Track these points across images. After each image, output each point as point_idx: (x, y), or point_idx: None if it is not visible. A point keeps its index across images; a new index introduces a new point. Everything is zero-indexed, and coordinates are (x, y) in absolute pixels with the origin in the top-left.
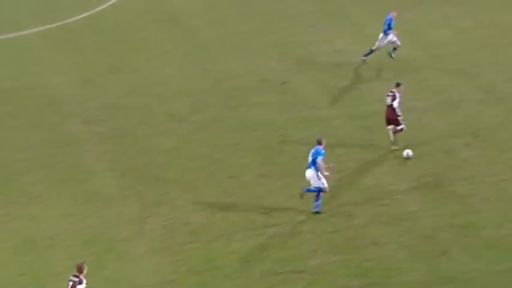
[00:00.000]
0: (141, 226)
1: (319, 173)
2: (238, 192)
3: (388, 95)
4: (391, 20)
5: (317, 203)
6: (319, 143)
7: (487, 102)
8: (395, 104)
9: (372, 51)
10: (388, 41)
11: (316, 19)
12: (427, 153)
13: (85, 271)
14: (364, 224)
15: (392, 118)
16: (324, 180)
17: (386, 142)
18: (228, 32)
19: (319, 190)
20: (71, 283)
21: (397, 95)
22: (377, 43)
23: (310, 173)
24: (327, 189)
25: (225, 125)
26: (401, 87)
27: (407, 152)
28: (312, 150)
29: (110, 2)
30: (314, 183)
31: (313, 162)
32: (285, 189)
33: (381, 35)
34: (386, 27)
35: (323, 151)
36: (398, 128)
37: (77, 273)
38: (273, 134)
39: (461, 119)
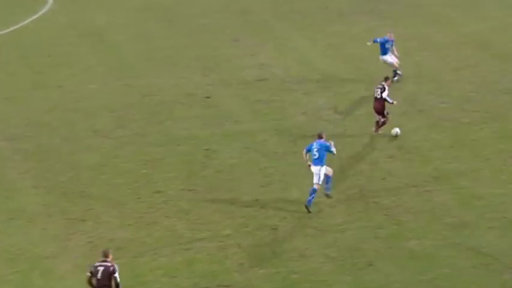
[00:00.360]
0: (66, 243)
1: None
2: (163, 207)
3: (377, 87)
4: (387, 41)
5: (328, 185)
6: (320, 137)
7: (410, 114)
8: (385, 95)
9: (396, 73)
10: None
11: (240, 33)
12: (352, 165)
13: (111, 256)
14: (290, 237)
15: (380, 110)
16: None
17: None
18: (151, 47)
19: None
20: (101, 268)
21: (386, 87)
22: (393, 63)
23: (321, 169)
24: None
25: (150, 139)
26: (389, 81)
27: (396, 131)
28: (316, 146)
29: (33, 17)
30: (329, 173)
31: (323, 159)
32: (210, 203)
33: (381, 57)
34: (384, 49)
35: (327, 143)
36: (382, 119)
37: (103, 258)
38: (198, 148)
39: (385, 131)
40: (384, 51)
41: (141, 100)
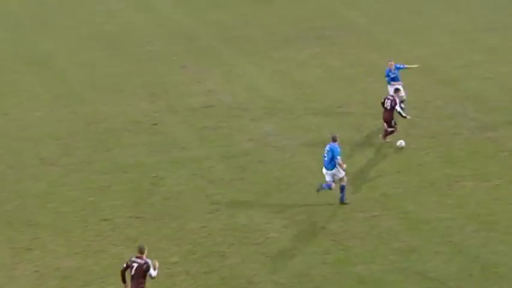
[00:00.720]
0: (11, 272)
1: (338, 168)
2: (111, 235)
3: (388, 99)
4: (389, 71)
5: (343, 194)
6: (334, 140)
7: (357, 140)
8: (397, 107)
9: (401, 109)
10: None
11: (187, 60)
12: (299, 191)
13: (146, 252)
14: (238, 263)
15: (388, 120)
16: (342, 170)
17: (258, 180)
18: (98, 74)
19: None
20: (135, 265)
21: (397, 99)
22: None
23: (329, 172)
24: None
25: (97, 167)
26: (399, 92)
27: (401, 143)
28: (327, 148)
29: None
30: (338, 175)
31: (332, 162)
32: (158, 231)
33: (390, 87)
34: (389, 79)
35: (339, 148)
36: (389, 129)
37: (139, 255)
38: (145, 175)
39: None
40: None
41: (88, 127)
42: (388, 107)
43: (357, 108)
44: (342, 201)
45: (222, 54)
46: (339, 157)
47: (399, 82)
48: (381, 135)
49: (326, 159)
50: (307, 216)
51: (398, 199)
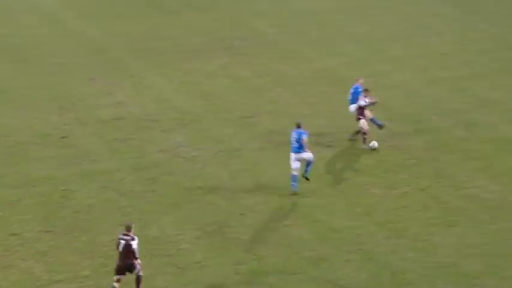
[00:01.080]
0: None
1: (306, 150)
2: (20, 250)
3: (361, 101)
4: (358, 87)
5: (309, 167)
6: (299, 126)
7: (267, 150)
8: (362, 102)
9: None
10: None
11: (96, 72)
12: (210, 201)
13: (133, 230)
14: (150, 275)
15: (359, 118)
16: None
17: (169, 191)
18: (5, 87)
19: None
20: (123, 242)
21: (367, 98)
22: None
23: (299, 155)
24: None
25: (6, 181)
26: (368, 93)
27: (373, 144)
28: (294, 135)
29: None
30: (309, 158)
31: (300, 146)
32: (69, 244)
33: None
34: (353, 98)
35: (306, 132)
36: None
37: (126, 232)
38: (55, 188)
39: (242, 167)
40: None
41: None
42: (362, 104)
43: (267, 118)
44: (305, 176)
45: (131, 66)
46: (305, 137)
47: (355, 105)
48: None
49: (296, 145)
50: (218, 226)
51: (309, 208)
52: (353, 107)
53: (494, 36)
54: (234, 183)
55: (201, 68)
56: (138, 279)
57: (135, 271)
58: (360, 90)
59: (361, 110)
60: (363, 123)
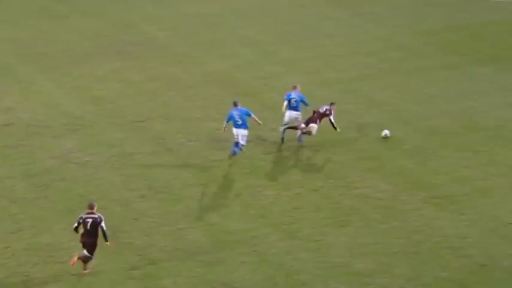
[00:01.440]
0: None
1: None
2: None
3: (324, 107)
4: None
5: (237, 148)
6: (236, 105)
7: (160, 154)
8: (332, 118)
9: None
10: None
11: None
12: (103, 207)
13: (95, 208)
14: (43, 283)
15: (313, 121)
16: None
17: (62, 197)
18: None
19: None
20: (90, 220)
21: (332, 112)
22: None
23: (243, 131)
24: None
25: None
26: (334, 106)
27: (386, 132)
28: (237, 113)
29: None
30: (242, 141)
31: (246, 123)
32: None
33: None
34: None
35: (246, 109)
36: (305, 130)
37: (90, 211)
38: None
39: (135, 172)
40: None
41: None
42: (322, 111)
43: (159, 122)
44: (233, 154)
45: (19, 72)
46: (253, 114)
47: (298, 112)
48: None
49: (239, 122)
50: (112, 231)
51: (203, 211)
52: (295, 114)
53: (382, 37)
54: (127, 188)
55: (92, 73)
56: (86, 258)
57: (91, 252)
58: (302, 96)
59: (319, 115)
60: (313, 127)
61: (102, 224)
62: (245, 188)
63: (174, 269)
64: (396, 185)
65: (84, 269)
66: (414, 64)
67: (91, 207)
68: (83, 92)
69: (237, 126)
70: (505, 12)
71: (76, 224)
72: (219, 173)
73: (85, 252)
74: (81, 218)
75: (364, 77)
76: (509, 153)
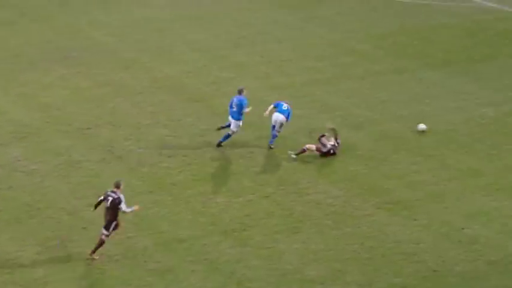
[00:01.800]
0: None
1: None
2: None
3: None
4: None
5: (227, 140)
6: (241, 92)
7: (108, 161)
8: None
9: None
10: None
11: None
12: (51, 216)
13: (122, 187)
14: None
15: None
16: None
17: (8, 206)
18: None
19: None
20: (110, 198)
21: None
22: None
23: (236, 122)
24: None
25: None
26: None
27: (421, 126)
28: (235, 100)
29: None
30: (235, 127)
31: (240, 113)
32: None
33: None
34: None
35: (246, 100)
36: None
37: (115, 190)
38: None
39: (83, 180)
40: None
41: None
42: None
43: (107, 129)
44: (220, 143)
45: None
46: (247, 108)
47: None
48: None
49: (234, 110)
50: (60, 241)
51: (153, 219)
52: (236, 123)
53: (333, 41)
54: (74, 196)
55: (38, 79)
56: (99, 243)
57: (106, 232)
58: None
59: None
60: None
61: (121, 205)
62: (196, 195)
63: (123, 278)
64: (348, 190)
65: (93, 252)
66: (366, 68)
67: (117, 185)
68: (29, 99)
69: (230, 113)
70: (455, 16)
71: (101, 197)
72: (169, 180)
73: (103, 230)
74: (105, 193)
75: (315, 81)
76: (461, 157)
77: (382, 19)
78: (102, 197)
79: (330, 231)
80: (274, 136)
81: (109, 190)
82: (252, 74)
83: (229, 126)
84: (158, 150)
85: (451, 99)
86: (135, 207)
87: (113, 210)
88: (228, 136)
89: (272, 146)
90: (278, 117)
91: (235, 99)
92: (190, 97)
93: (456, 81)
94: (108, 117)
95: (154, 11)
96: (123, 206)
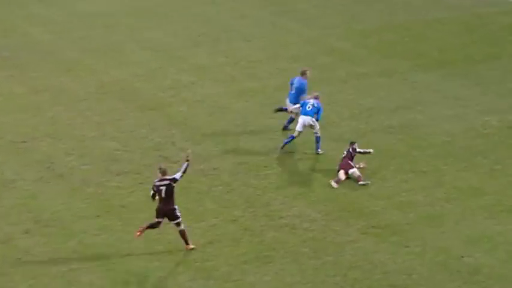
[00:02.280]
0: None
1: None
2: None
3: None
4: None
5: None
6: (304, 74)
7: (47, 180)
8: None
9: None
10: None
11: None
12: None
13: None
14: None
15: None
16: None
17: None
18: None
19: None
20: (163, 188)
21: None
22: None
23: (308, 118)
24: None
25: None
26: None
27: None
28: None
29: None
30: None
31: (314, 114)
32: None
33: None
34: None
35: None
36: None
37: (161, 177)
38: None
39: (17, 202)
40: None
41: None
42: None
43: (46, 143)
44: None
45: None
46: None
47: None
48: None
49: (293, 92)
50: None
51: (100, 248)
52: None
53: (310, 39)
54: (7, 222)
55: None
56: (182, 234)
57: (176, 220)
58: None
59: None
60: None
61: (177, 176)
62: (150, 219)
63: None
64: (328, 213)
65: (187, 244)
66: (348, 70)
67: (163, 172)
68: None
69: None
70: (452, 9)
71: (152, 192)
72: (118, 202)
73: (156, 219)
74: (154, 185)
75: (288, 86)
76: (459, 174)
77: (366, 13)
78: (152, 191)
79: (308, 260)
80: (318, 139)
81: (156, 180)
82: (216, 78)
83: (285, 109)
84: (106, 166)
85: (447, 106)
86: (187, 155)
87: (172, 196)
88: (291, 120)
89: (320, 151)
90: (305, 120)
91: (295, 81)
92: (143, 104)
93: (453, 85)
94: (46, 129)
95: (100, 4)
96: (178, 176)
